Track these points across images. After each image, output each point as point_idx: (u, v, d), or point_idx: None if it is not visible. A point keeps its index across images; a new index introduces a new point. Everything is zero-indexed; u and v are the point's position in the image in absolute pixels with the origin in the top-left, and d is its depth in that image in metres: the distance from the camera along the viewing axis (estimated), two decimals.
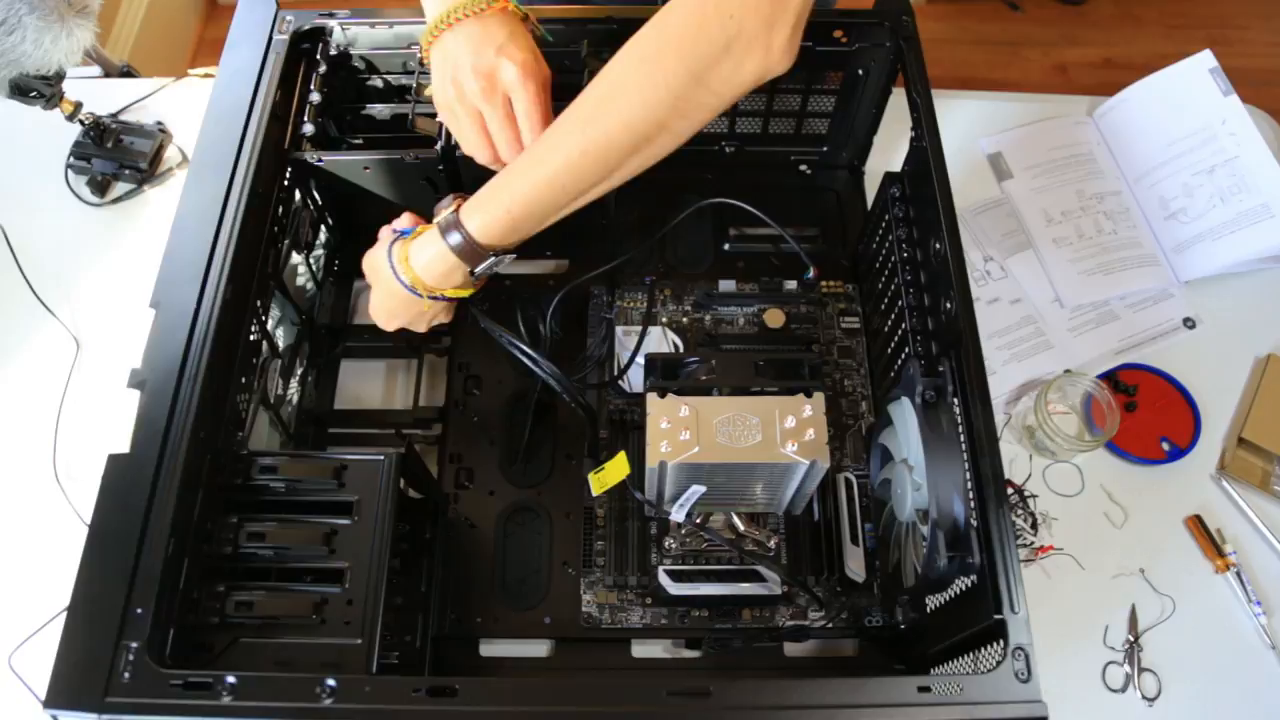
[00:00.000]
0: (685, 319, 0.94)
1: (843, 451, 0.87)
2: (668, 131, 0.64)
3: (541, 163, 0.66)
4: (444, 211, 0.70)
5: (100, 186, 1.02)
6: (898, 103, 0.85)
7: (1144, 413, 0.91)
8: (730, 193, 0.83)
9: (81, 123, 1.00)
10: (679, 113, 0.62)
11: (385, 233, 0.75)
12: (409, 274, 0.71)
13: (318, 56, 0.84)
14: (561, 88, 0.86)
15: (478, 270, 0.71)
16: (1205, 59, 1.02)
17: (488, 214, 0.68)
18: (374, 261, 0.74)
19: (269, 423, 0.79)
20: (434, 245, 0.70)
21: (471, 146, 0.73)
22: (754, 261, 0.97)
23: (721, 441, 0.70)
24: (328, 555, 0.64)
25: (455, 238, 0.69)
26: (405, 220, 0.75)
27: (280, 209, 0.79)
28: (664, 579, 0.79)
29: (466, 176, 0.83)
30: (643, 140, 0.64)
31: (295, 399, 0.85)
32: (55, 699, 0.54)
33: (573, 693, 0.57)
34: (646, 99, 0.62)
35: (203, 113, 0.77)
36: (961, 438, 0.66)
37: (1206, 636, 0.82)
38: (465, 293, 0.74)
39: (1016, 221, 1.03)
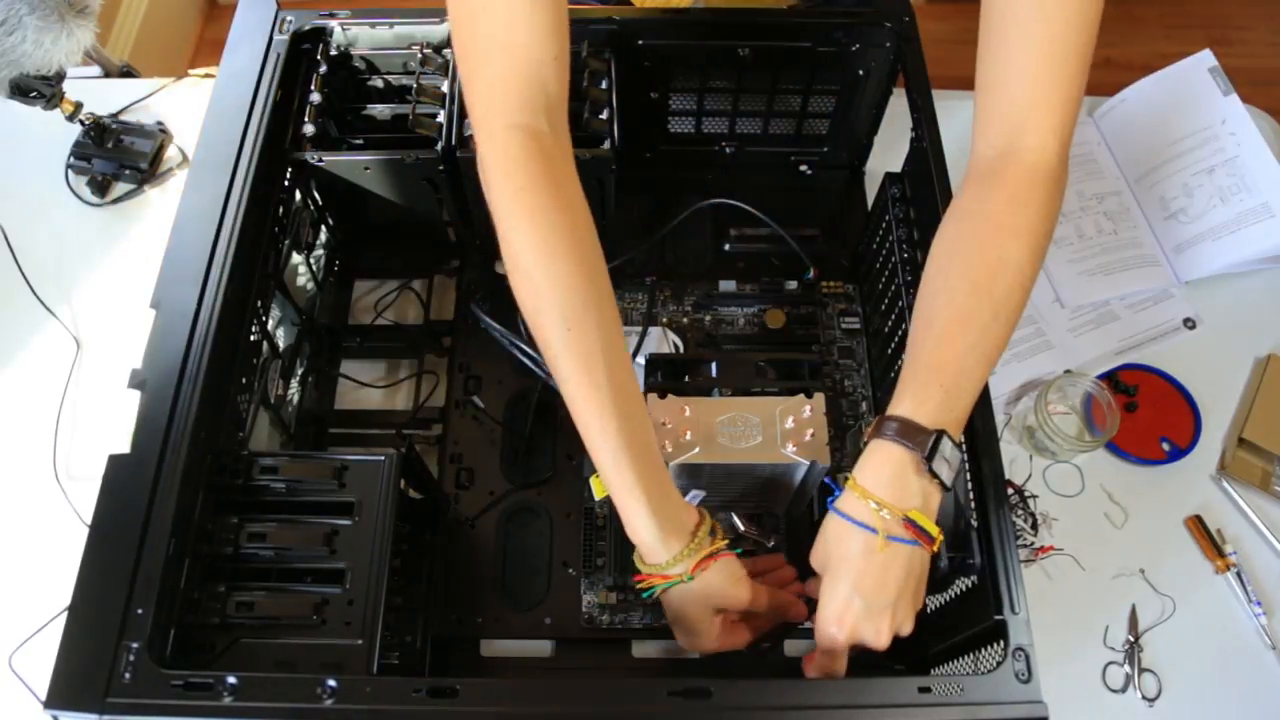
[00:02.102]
0: (685, 319, 0.94)
1: (843, 451, 0.87)
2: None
3: (951, 342, 0.62)
4: (872, 424, 0.63)
5: (100, 186, 1.02)
6: (898, 103, 0.85)
7: (1144, 413, 0.91)
8: (730, 193, 0.83)
9: (82, 123, 1.00)
10: (1048, 239, 0.67)
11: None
12: (861, 498, 0.61)
13: (318, 57, 0.84)
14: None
15: (935, 465, 0.59)
16: (1205, 59, 1.02)
17: (914, 394, 0.61)
18: (820, 536, 0.64)
19: (269, 423, 0.79)
20: (871, 454, 0.62)
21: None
22: (754, 261, 0.97)
23: (722, 442, 0.70)
24: (328, 556, 0.64)
25: (889, 428, 0.61)
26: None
27: (280, 209, 0.79)
28: None
29: (467, 178, 0.83)
30: (1033, 281, 0.65)
31: (295, 399, 0.85)
32: (55, 699, 0.54)
33: (573, 693, 0.57)
34: (1032, 249, 0.65)
35: (203, 113, 0.77)
36: (961, 438, 0.66)
37: (1206, 637, 0.82)
38: (917, 515, 0.60)
39: None
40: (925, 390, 0.61)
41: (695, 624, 0.67)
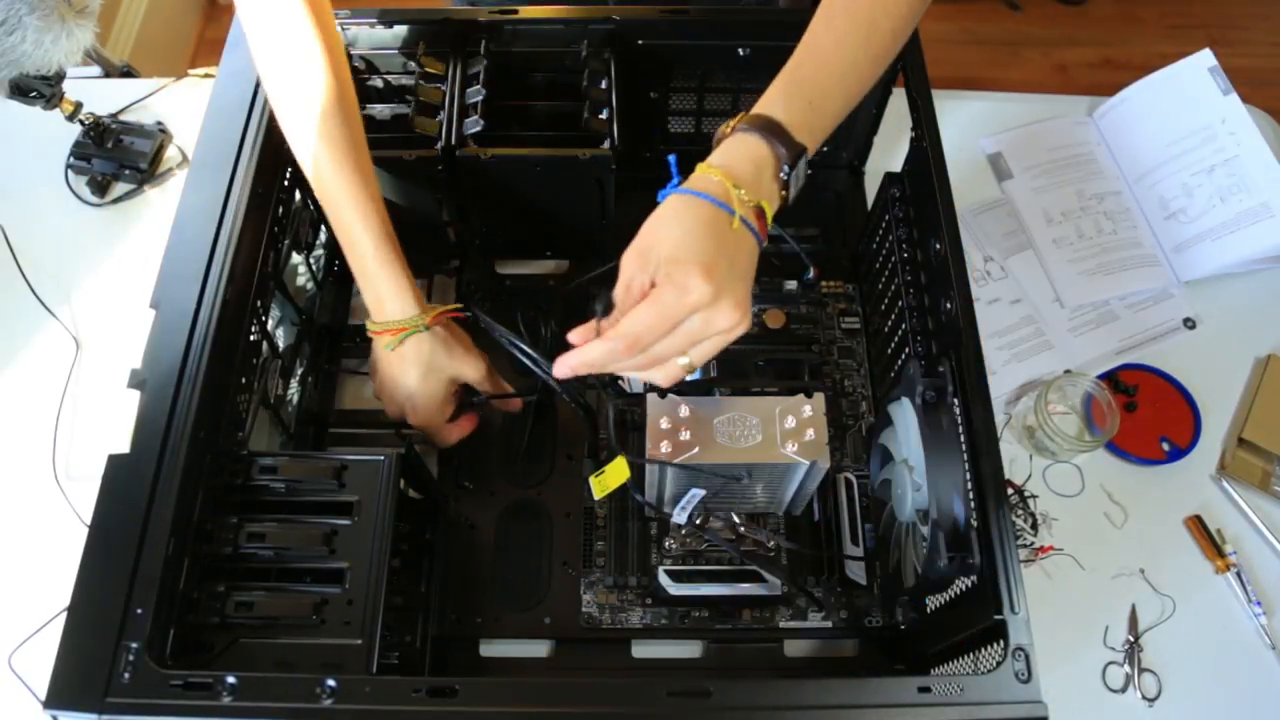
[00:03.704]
0: None
1: (843, 451, 0.87)
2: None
3: (825, 65, 0.66)
4: (730, 124, 0.63)
5: (100, 186, 1.02)
6: (898, 103, 0.85)
7: (1144, 413, 0.91)
8: None
9: (81, 123, 1.00)
10: None
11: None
12: (714, 175, 0.59)
13: None
14: (562, 87, 0.86)
15: (788, 174, 0.61)
16: (1204, 58, 1.02)
17: (793, 107, 0.63)
18: (656, 216, 0.60)
19: (269, 423, 0.79)
20: (734, 145, 0.62)
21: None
22: None
23: (721, 442, 0.70)
24: (328, 555, 0.64)
25: (758, 124, 0.61)
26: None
27: (280, 209, 0.79)
28: (664, 579, 0.79)
29: (467, 178, 0.83)
30: (907, 33, 0.70)
31: (295, 399, 0.85)
32: (55, 699, 0.54)
33: (573, 693, 0.57)
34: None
35: (203, 113, 0.77)
36: (961, 438, 0.66)
37: (1206, 636, 0.82)
38: (767, 207, 0.61)
39: (1016, 221, 1.03)
40: (794, 101, 0.63)
41: (431, 391, 0.76)
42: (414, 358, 0.75)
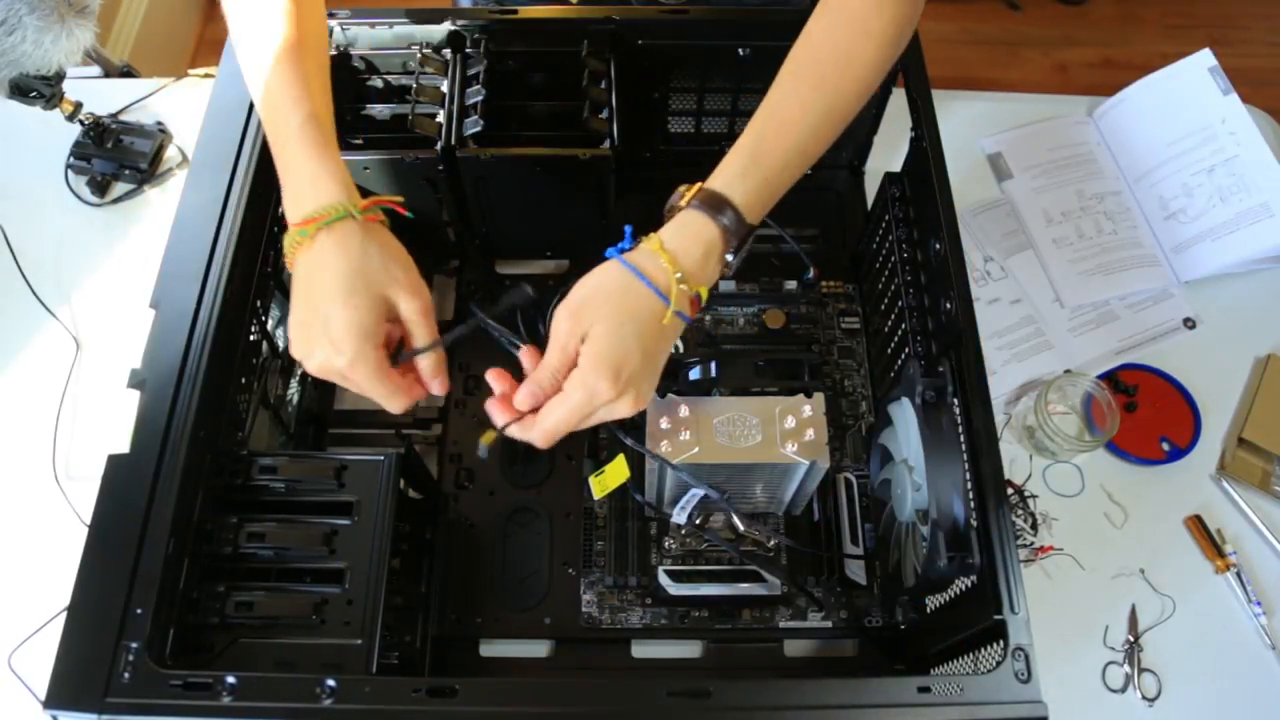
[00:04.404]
0: None
1: (843, 451, 0.87)
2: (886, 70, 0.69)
3: (787, 133, 0.65)
4: (687, 195, 0.63)
5: (100, 186, 1.02)
6: (898, 103, 0.85)
7: (1144, 413, 0.91)
8: None
9: (81, 123, 1.00)
10: (899, 51, 0.69)
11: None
12: (663, 260, 0.60)
13: None
14: (561, 88, 0.86)
15: (734, 255, 0.63)
16: (1204, 58, 1.02)
17: (749, 186, 0.62)
18: (597, 281, 0.61)
19: (269, 423, 0.79)
20: (688, 225, 0.61)
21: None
22: (754, 261, 0.96)
23: (721, 442, 0.70)
24: (328, 555, 0.64)
25: (723, 213, 0.61)
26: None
27: (280, 208, 0.79)
28: (664, 579, 0.79)
29: (467, 178, 0.83)
30: (872, 90, 0.68)
31: (295, 399, 0.85)
32: (55, 699, 0.54)
33: (573, 693, 0.57)
34: (882, 54, 0.67)
35: (203, 113, 0.77)
36: (961, 438, 0.66)
37: (1206, 636, 0.82)
38: (704, 292, 0.63)
39: (1016, 221, 1.03)
40: (751, 178, 0.63)
41: (360, 312, 0.58)
42: (336, 258, 0.59)
